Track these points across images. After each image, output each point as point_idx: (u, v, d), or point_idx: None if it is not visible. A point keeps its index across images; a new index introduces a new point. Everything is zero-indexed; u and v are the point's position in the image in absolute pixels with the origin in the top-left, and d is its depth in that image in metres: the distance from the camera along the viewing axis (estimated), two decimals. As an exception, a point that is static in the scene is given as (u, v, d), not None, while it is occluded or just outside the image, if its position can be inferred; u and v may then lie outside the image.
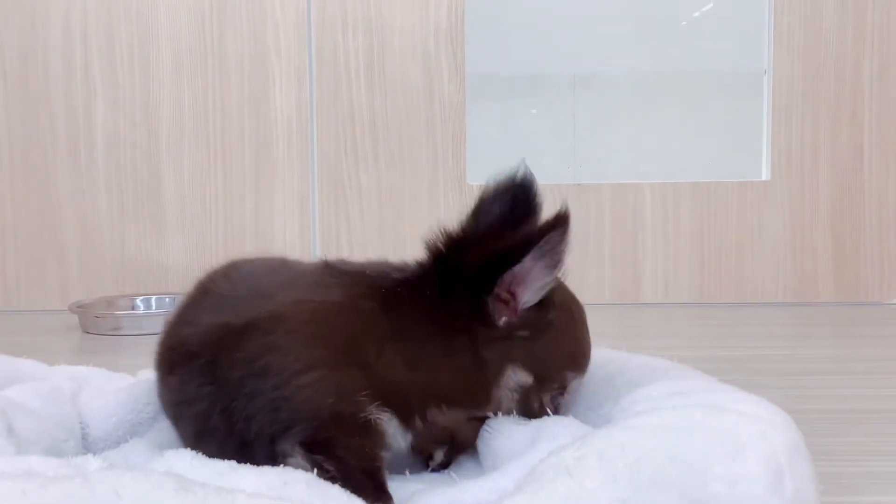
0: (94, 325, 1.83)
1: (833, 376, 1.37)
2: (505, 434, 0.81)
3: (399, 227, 2.12)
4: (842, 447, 0.98)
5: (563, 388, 0.84)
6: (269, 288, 0.82)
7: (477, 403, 0.81)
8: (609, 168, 2.22)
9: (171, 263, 2.13)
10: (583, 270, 2.13)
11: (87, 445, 0.95)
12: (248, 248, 2.13)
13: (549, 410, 0.83)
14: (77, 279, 2.13)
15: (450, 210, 2.09)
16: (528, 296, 0.78)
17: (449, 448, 0.84)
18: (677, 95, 2.22)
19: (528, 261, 0.75)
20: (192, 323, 0.83)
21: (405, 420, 0.77)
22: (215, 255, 2.12)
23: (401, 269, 0.83)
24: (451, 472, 0.84)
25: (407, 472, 0.82)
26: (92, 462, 0.74)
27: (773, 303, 2.12)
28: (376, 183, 2.13)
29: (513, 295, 0.78)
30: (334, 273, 0.83)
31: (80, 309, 1.86)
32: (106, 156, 2.12)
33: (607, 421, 0.83)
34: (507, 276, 0.76)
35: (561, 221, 0.75)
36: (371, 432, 0.74)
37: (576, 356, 0.86)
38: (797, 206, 2.12)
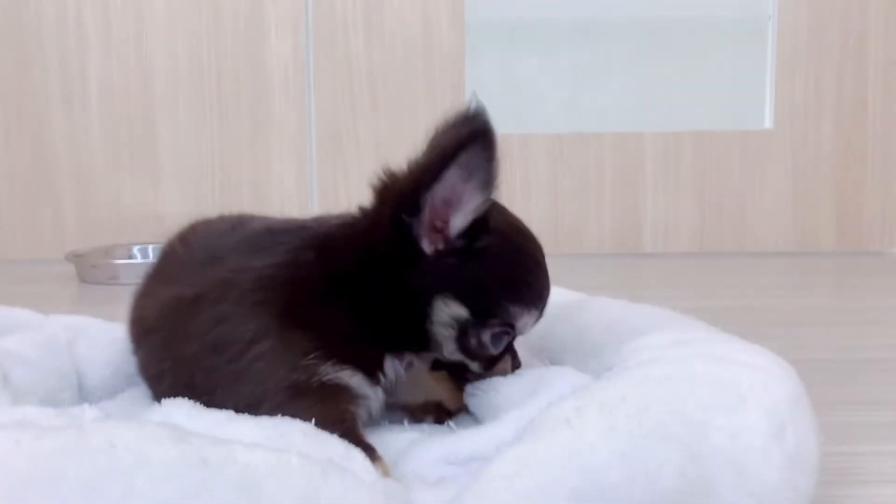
0: (91, 274, 1.82)
1: (834, 326, 1.37)
2: (499, 390, 0.81)
3: (398, 177, 2.10)
4: (843, 397, 0.98)
5: (507, 325, 0.76)
6: (219, 252, 0.81)
7: (419, 344, 0.77)
8: (610, 117, 2.20)
9: (167, 212, 2.11)
10: (582, 220, 2.12)
11: (84, 395, 0.95)
12: (244, 198, 2.11)
13: (490, 348, 0.77)
14: (73, 228, 2.12)
15: (449, 160, 2.07)
16: (459, 220, 0.71)
17: (436, 417, 0.83)
18: (680, 43, 2.18)
19: (448, 179, 0.69)
20: (151, 294, 0.85)
21: (368, 374, 0.75)
22: (212, 204, 2.10)
23: (342, 217, 0.80)
24: (451, 423, 0.83)
25: (405, 422, 0.82)
26: (88, 412, 0.74)
27: (775, 252, 2.11)
28: (374, 133, 2.11)
29: (443, 221, 0.72)
30: (278, 231, 0.82)
31: (77, 258, 1.85)
32: (100, 105, 2.10)
33: (607, 369, 0.82)
34: (429, 198, 0.71)
35: (476, 135, 0.69)
36: (330, 394, 0.72)
37: (517, 286, 0.77)
38: (800, 155, 2.11)
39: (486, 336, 0.76)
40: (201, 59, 2.08)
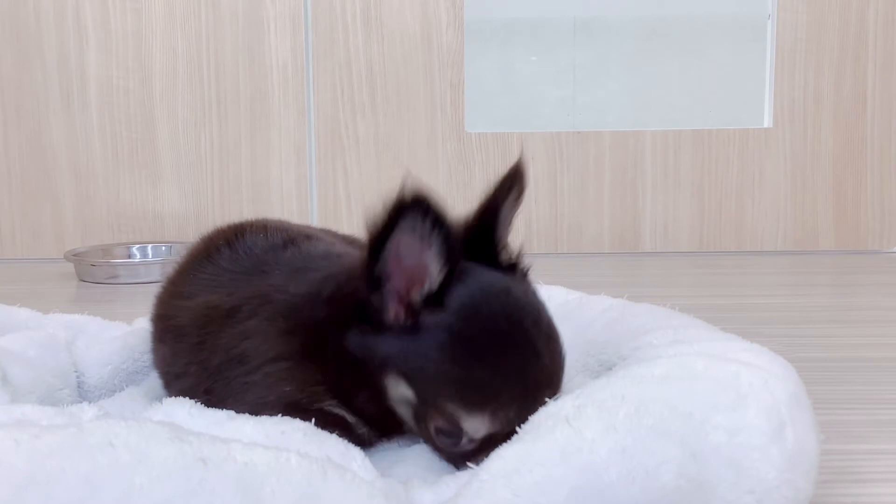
0: (90, 273, 1.82)
1: (833, 324, 1.37)
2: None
3: (396, 177, 2.09)
4: (842, 395, 0.98)
5: (453, 427, 0.65)
6: (265, 267, 0.80)
7: (385, 419, 0.70)
8: (609, 115, 2.20)
9: (167, 211, 2.11)
10: (582, 219, 2.12)
11: (83, 394, 0.95)
12: (244, 197, 2.11)
13: (437, 443, 0.67)
14: (72, 227, 2.12)
15: (448, 159, 2.07)
16: (421, 291, 0.65)
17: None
18: (679, 41, 2.18)
19: (397, 249, 0.63)
20: (186, 296, 0.84)
21: (369, 424, 0.72)
22: (211, 204, 2.11)
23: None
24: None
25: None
26: (87, 411, 0.74)
27: (774, 251, 2.11)
28: (373, 132, 2.10)
29: (408, 291, 0.65)
30: (319, 257, 0.80)
31: (76, 257, 1.85)
32: (99, 103, 2.10)
33: (607, 368, 0.83)
34: (386, 270, 0.64)
35: (408, 205, 0.61)
36: (325, 419, 0.70)
37: (464, 387, 0.64)
38: (799, 154, 2.11)
39: (432, 429, 0.67)
40: (200, 58, 2.08)
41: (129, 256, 1.96)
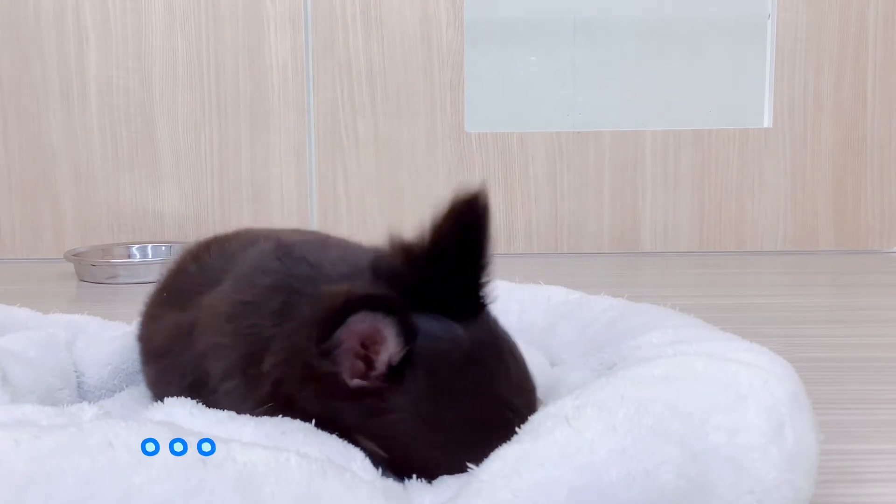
0: (90, 273, 1.82)
1: (833, 325, 1.37)
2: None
3: (396, 177, 2.10)
4: (842, 395, 0.98)
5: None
6: (221, 276, 0.79)
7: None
8: (609, 115, 2.20)
9: (166, 211, 2.11)
10: (581, 219, 2.12)
11: (83, 394, 0.95)
12: (244, 196, 2.11)
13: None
14: (72, 227, 2.12)
15: (447, 159, 2.07)
16: (384, 356, 0.62)
17: None
18: (679, 41, 2.18)
19: (353, 328, 0.60)
20: (159, 316, 0.85)
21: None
22: (211, 204, 2.11)
23: (327, 276, 0.70)
24: None
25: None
26: (87, 411, 0.74)
27: (774, 251, 2.11)
28: (373, 132, 2.10)
29: (372, 354, 0.62)
30: (270, 260, 0.77)
31: (76, 257, 1.85)
32: (99, 103, 2.10)
33: (607, 367, 0.83)
34: (336, 339, 0.61)
35: (355, 306, 0.59)
36: None
37: (437, 465, 0.63)
38: (799, 154, 2.11)
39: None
40: (200, 58, 2.08)
41: (129, 256, 1.96)
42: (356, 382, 0.63)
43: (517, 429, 0.62)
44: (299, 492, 0.53)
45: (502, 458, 0.57)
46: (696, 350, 0.74)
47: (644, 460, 0.56)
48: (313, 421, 0.68)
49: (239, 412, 0.70)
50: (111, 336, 1.02)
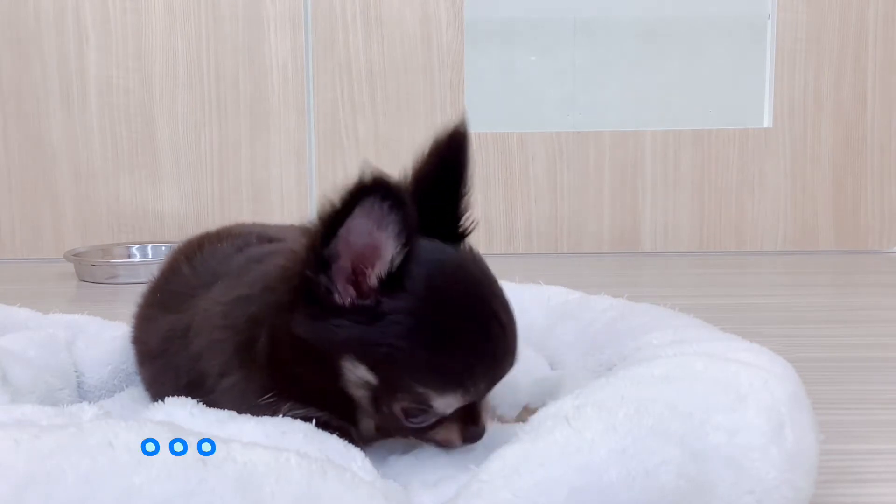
0: (90, 273, 1.82)
1: (833, 324, 1.37)
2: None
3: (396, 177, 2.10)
4: (842, 395, 0.98)
5: (423, 405, 0.65)
6: (214, 278, 0.80)
7: (340, 405, 0.69)
8: (609, 115, 2.20)
9: (166, 211, 2.11)
10: (582, 219, 2.12)
11: (83, 394, 0.95)
12: (244, 196, 2.11)
13: (404, 423, 0.67)
14: (72, 227, 2.12)
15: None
16: (375, 272, 0.63)
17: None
18: (679, 41, 2.18)
19: (352, 231, 0.61)
20: (152, 318, 0.86)
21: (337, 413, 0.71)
22: (211, 204, 2.10)
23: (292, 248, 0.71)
24: None
25: None
26: (87, 410, 0.74)
27: (774, 251, 2.11)
28: (373, 132, 2.10)
29: (362, 273, 0.64)
30: (255, 259, 0.79)
31: (76, 257, 1.85)
32: (99, 103, 2.10)
33: (607, 367, 0.83)
34: (336, 251, 0.63)
35: (367, 187, 0.60)
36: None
37: (435, 369, 0.64)
38: (799, 154, 2.11)
39: (398, 409, 0.66)
40: (200, 58, 2.08)
41: (129, 256, 1.96)
42: (349, 298, 0.64)
43: (504, 343, 0.65)
44: (299, 492, 0.53)
45: (502, 458, 0.57)
46: (696, 350, 0.74)
47: (644, 460, 0.56)
48: (314, 421, 0.68)
49: (239, 410, 0.70)
50: (111, 336, 1.02)
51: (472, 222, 0.70)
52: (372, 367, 0.65)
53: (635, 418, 0.59)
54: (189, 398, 0.75)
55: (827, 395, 0.94)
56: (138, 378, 0.96)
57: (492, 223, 2.09)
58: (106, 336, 1.03)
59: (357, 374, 0.66)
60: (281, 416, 0.69)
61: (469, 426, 0.68)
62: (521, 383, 0.88)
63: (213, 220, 2.09)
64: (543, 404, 0.77)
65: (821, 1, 2.06)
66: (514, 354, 0.68)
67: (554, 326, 1.01)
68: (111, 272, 1.81)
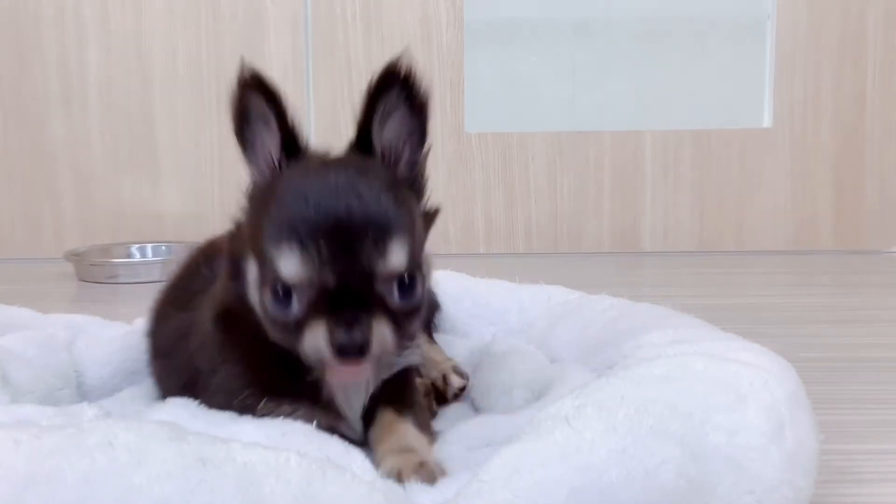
0: (90, 273, 1.82)
1: (833, 324, 1.37)
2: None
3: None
4: (842, 395, 0.98)
5: (273, 275, 0.67)
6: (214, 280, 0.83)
7: (297, 376, 0.71)
8: (609, 115, 2.20)
9: (166, 211, 2.11)
10: (582, 219, 2.12)
11: (83, 394, 0.95)
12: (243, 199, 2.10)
13: (271, 308, 0.68)
14: (72, 227, 2.12)
15: (448, 159, 2.07)
16: (265, 155, 0.77)
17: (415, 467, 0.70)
18: (679, 41, 2.18)
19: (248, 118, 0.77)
20: (165, 316, 0.88)
21: (313, 400, 0.73)
22: (211, 204, 2.10)
23: None
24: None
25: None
26: (87, 410, 0.74)
27: (774, 251, 2.11)
28: (374, 131, 2.10)
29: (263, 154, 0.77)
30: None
31: (76, 257, 1.85)
32: (99, 104, 2.09)
33: (608, 367, 0.83)
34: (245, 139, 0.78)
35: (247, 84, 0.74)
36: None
37: (270, 231, 0.68)
38: (799, 154, 2.10)
39: (267, 297, 0.68)
40: (200, 58, 2.08)
41: (129, 256, 1.96)
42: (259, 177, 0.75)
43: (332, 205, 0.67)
44: (299, 492, 0.53)
45: (502, 458, 0.57)
46: (696, 350, 0.74)
47: (644, 460, 0.56)
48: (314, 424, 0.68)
49: (228, 407, 0.72)
50: (111, 336, 1.03)
51: (381, 144, 0.75)
52: (253, 253, 0.70)
53: (635, 418, 0.59)
54: (191, 399, 0.75)
55: (827, 395, 0.94)
56: (138, 378, 0.97)
57: (492, 223, 2.09)
58: (106, 336, 1.03)
59: (251, 273, 0.70)
60: (259, 414, 0.71)
61: (337, 329, 0.64)
62: (519, 372, 0.88)
63: (213, 220, 2.09)
64: (544, 395, 0.78)
65: (821, 1, 2.06)
66: (351, 219, 0.67)
67: (554, 326, 1.01)
68: (111, 272, 1.81)
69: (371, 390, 0.75)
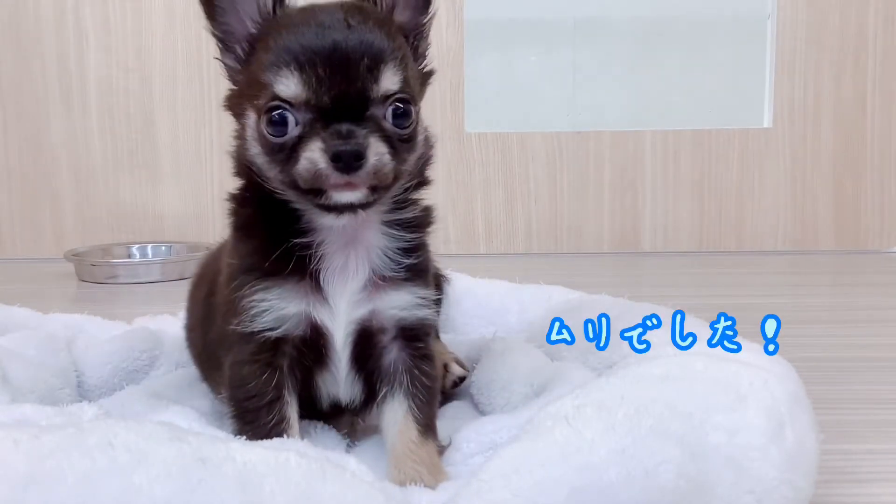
0: (90, 273, 1.82)
1: (832, 324, 1.37)
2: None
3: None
4: (842, 395, 0.98)
5: (268, 95, 0.69)
6: None
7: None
8: (609, 115, 2.20)
9: (166, 211, 2.11)
10: (582, 219, 2.12)
11: (83, 393, 0.95)
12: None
13: (269, 138, 0.70)
14: (72, 227, 2.12)
15: (448, 159, 2.07)
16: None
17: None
18: (679, 41, 2.18)
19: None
20: (192, 298, 0.93)
21: (297, 270, 0.74)
22: (211, 204, 2.10)
23: None
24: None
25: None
26: (87, 410, 0.74)
27: (774, 251, 2.11)
28: (374, 131, 2.10)
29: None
30: None
31: (76, 257, 1.85)
32: (99, 103, 2.10)
33: (608, 366, 0.83)
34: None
35: None
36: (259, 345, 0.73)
37: (269, 53, 0.70)
38: (798, 154, 2.11)
39: (262, 124, 0.70)
40: (200, 58, 2.08)
41: (129, 256, 1.96)
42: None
43: (338, 45, 0.68)
44: (299, 491, 0.53)
45: (502, 458, 0.57)
46: (695, 350, 0.74)
47: (644, 460, 0.56)
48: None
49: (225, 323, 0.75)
50: (111, 336, 1.03)
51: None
52: (250, 100, 0.71)
53: (635, 418, 0.59)
54: (192, 409, 0.75)
55: (827, 395, 0.94)
56: (138, 377, 0.97)
57: (492, 223, 2.09)
58: (106, 336, 1.03)
59: (248, 123, 0.72)
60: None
61: (332, 140, 0.67)
62: (519, 369, 0.88)
63: (213, 220, 2.09)
64: (543, 392, 0.77)
65: (820, 2, 2.06)
66: (346, 44, 0.69)
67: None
68: (111, 272, 1.81)
69: (367, 273, 0.74)
